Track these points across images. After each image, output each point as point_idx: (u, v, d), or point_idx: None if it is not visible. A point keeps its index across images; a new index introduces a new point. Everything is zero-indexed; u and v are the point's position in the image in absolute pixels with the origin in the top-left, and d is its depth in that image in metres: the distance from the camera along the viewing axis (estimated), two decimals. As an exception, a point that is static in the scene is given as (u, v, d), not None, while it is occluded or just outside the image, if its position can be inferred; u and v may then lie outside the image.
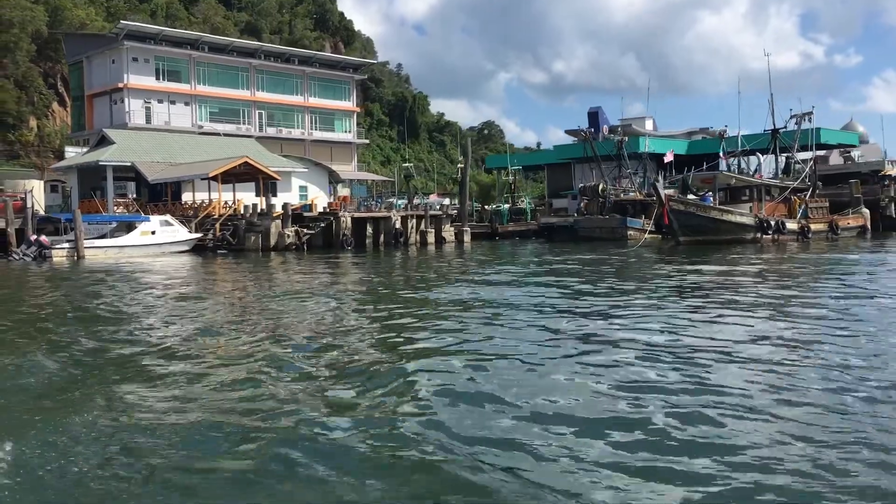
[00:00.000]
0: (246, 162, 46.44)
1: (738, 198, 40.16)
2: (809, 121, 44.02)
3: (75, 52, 71.13)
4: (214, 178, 46.26)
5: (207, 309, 17.28)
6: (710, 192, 39.96)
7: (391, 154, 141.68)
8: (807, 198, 41.19)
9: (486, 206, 66.76)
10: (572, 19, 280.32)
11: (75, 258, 37.11)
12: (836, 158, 62.59)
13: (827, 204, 42.95)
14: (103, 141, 52.41)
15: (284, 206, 44.20)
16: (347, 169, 78.07)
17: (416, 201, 58.86)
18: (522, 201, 66.37)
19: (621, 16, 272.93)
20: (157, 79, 67.30)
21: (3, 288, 25.11)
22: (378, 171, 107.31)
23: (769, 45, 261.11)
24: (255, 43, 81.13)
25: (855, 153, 62.32)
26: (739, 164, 49.30)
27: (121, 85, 64.95)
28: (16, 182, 52.84)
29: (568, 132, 73.85)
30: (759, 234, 37.82)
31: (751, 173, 44.42)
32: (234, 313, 16.32)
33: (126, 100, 65.03)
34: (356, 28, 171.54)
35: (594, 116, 70.07)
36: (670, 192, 40.94)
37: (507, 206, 65.12)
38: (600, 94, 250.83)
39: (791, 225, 39.20)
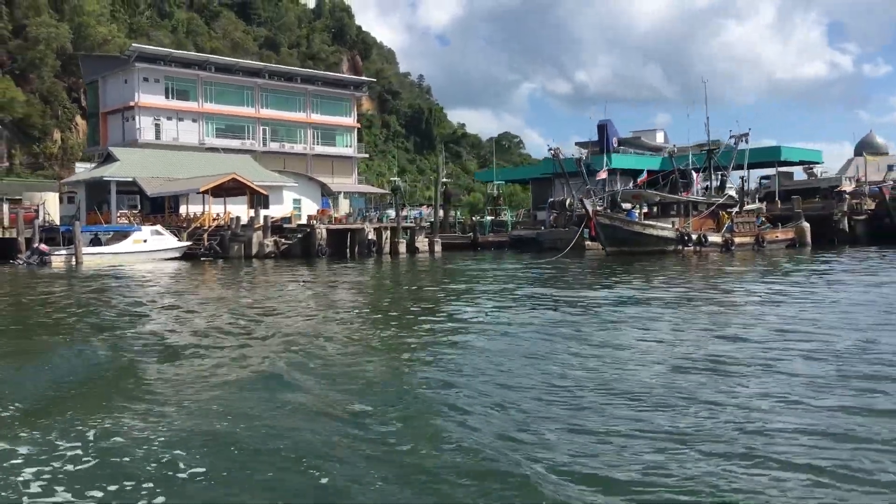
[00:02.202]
0: (234, 178, 51.19)
1: (667, 212, 44.13)
2: (746, 141, 47.83)
3: (91, 73, 76.70)
4: (206, 192, 51.10)
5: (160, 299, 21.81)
6: (636, 208, 43.99)
7: (407, 165, 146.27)
8: (733, 213, 44.92)
9: (472, 218, 70.99)
10: (596, 29, 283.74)
11: (73, 263, 42.02)
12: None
13: (754, 218, 46.56)
14: (109, 158, 57.54)
15: (265, 218, 48.80)
16: (348, 182, 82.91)
17: (403, 213, 63.02)
18: (504, 213, 70.44)
19: (645, 25, 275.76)
20: (167, 97, 72.40)
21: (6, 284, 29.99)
22: (393, 183, 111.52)
23: (794, 56, 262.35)
24: (259, 63, 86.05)
25: (817, 169, 65.78)
26: (689, 180, 52.87)
27: (132, 103, 70.20)
28: (33, 194, 58.14)
29: (578, 144, 77.25)
30: (679, 247, 41.70)
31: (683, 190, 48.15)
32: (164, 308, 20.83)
33: (137, 117, 70.29)
34: (378, 39, 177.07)
35: (603, 129, 73.17)
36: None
37: (490, 217, 69.26)
38: (624, 104, 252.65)
39: (714, 238, 42.91)
